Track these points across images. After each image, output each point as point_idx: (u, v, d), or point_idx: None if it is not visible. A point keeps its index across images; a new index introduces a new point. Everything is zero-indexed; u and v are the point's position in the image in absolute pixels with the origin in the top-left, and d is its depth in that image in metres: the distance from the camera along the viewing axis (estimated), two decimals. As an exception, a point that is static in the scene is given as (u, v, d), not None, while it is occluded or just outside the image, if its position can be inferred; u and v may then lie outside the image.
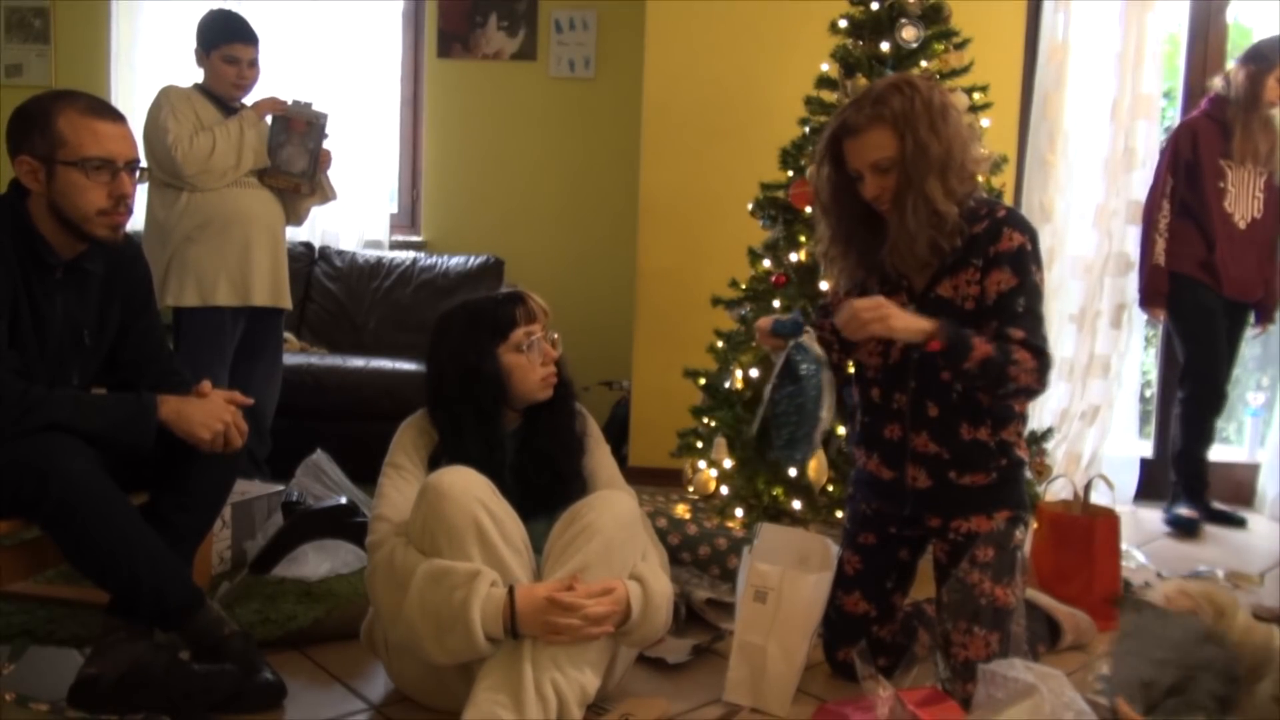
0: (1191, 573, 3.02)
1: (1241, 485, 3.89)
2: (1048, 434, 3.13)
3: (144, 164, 2.05)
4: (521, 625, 1.77)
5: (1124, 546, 2.86)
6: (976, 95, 2.92)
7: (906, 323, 1.89)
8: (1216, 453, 3.68)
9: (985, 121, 2.92)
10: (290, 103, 3.20)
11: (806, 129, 2.98)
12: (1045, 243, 3.55)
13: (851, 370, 2.20)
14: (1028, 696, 1.69)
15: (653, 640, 2.02)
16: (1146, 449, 4.05)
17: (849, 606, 2.16)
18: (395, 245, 4.58)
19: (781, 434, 2.00)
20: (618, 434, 3.90)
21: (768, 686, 2.03)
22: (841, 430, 2.68)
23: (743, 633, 2.07)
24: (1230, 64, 3.60)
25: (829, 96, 2.98)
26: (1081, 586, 2.54)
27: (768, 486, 2.90)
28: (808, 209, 2.84)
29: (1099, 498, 2.83)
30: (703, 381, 3.09)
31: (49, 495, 1.81)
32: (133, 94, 4.35)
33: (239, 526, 2.71)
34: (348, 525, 2.66)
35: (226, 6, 3.29)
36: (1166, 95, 3.85)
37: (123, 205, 1.96)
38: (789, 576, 2.06)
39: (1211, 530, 3.54)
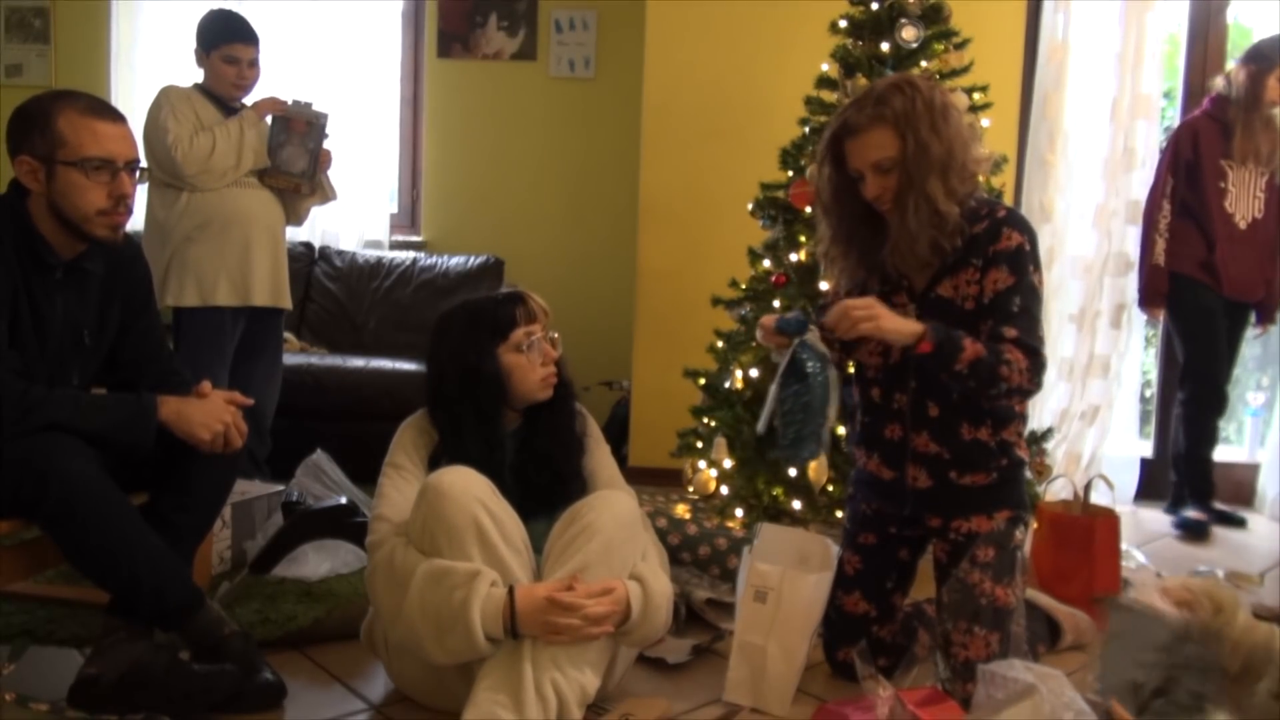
0: (1192, 573, 3.02)
1: (1241, 485, 3.89)
2: (1048, 434, 3.13)
3: (144, 164, 2.05)
4: (521, 625, 1.77)
5: (1124, 546, 2.86)
6: (976, 95, 2.92)
7: (896, 324, 1.89)
8: (1216, 453, 3.67)
9: (985, 121, 2.92)
10: (290, 103, 3.20)
11: (806, 129, 2.98)
12: (1045, 243, 3.55)
13: (851, 370, 2.20)
14: (1027, 697, 1.69)
15: (653, 640, 2.02)
16: (1146, 449, 4.05)
17: (849, 606, 2.16)
18: (395, 245, 4.58)
19: (788, 433, 2.00)
20: (618, 434, 3.90)
21: (768, 686, 2.03)
22: (841, 430, 2.68)
23: (743, 633, 2.07)
24: (1230, 64, 3.60)
25: (829, 96, 2.98)
26: (1081, 586, 2.54)
27: (768, 486, 2.90)
28: (808, 209, 2.84)
29: (1099, 498, 2.84)
30: (703, 381, 3.09)
31: (49, 495, 1.81)
32: (133, 94, 4.35)
33: (239, 526, 2.71)
34: (348, 525, 2.66)
35: (226, 6, 3.29)
36: (1166, 95, 3.85)
37: (122, 205, 1.96)
38: (789, 576, 2.06)
39: (1212, 530, 3.53)
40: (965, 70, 2.93)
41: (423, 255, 4.41)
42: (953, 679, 1.97)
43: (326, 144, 3.23)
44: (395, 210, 4.69)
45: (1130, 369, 3.89)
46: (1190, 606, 1.58)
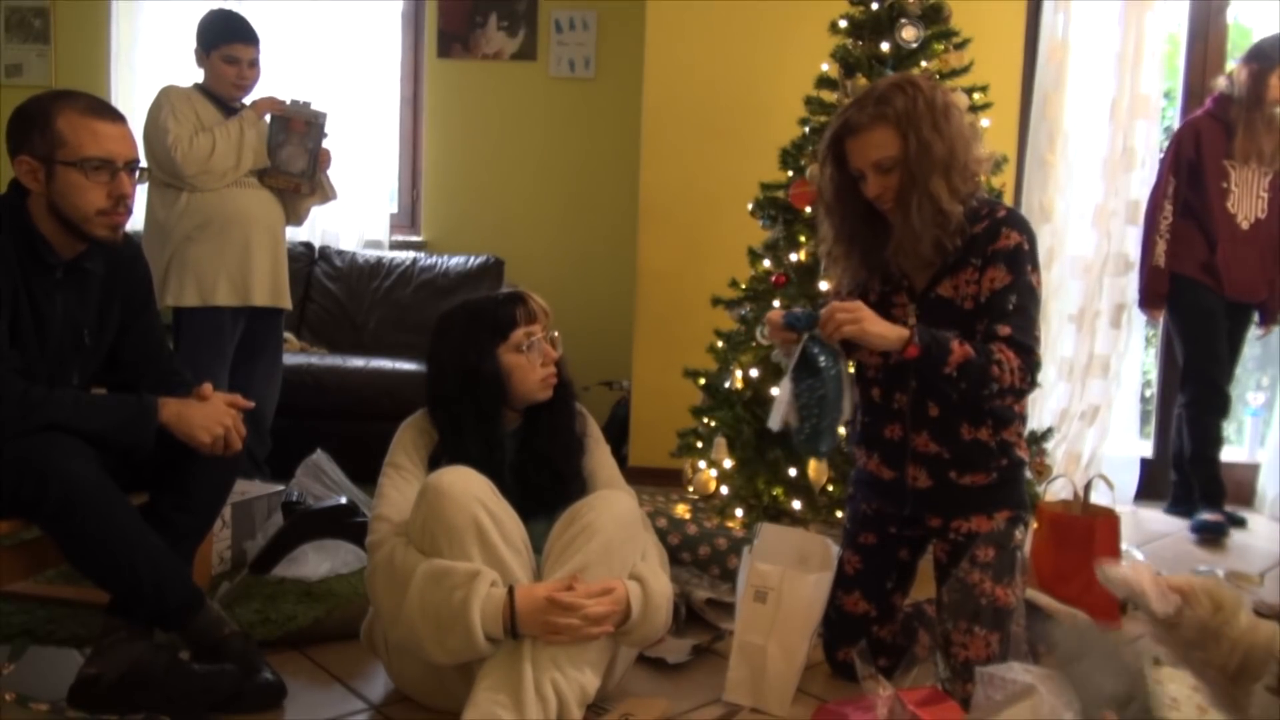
0: (1192, 572, 3.01)
1: (1241, 485, 3.88)
2: (1048, 434, 3.13)
3: (144, 164, 2.05)
4: (521, 625, 1.77)
5: (1124, 546, 2.86)
6: (976, 95, 2.92)
7: (881, 328, 1.89)
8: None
9: (985, 121, 2.92)
10: (289, 102, 3.20)
11: (806, 129, 2.98)
12: (1045, 243, 3.55)
13: (852, 370, 2.20)
14: (1026, 697, 1.69)
15: (653, 640, 2.02)
16: (1146, 449, 4.05)
17: (849, 606, 2.17)
18: (395, 245, 4.58)
19: (804, 428, 1.98)
20: (618, 434, 3.90)
21: (768, 686, 2.03)
22: (842, 430, 2.68)
23: (743, 633, 2.07)
24: (1231, 64, 3.60)
25: (829, 96, 2.98)
26: (1081, 586, 2.53)
27: (768, 486, 2.90)
28: (808, 209, 2.84)
29: (1099, 498, 2.83)
30: (703, 381, 3.09)
31: (49, 495, 1.81)
32: (133, 94, 4.35)
33: (239, 526, 2.71)
34: (348, 525, 2.66)
35: (226, 6, 3.30)
36: (1166, 95, 3.85)
37: (122, 205, 1.96)
38: (789, 576, 2.06)
39: (1230, 531, 3.50)
40: (965, 70, 2.93)
41: (423, 255, 4.41)
42: (953, 679, 1.97)
43: (326, 143, 3.23)
44: (395, 210, 4.69)
45: (1130, 369, 3.88)
46: (1188, 601, 1.58)
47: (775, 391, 2.80)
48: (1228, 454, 3.63)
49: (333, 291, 4.31)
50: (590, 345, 3.86)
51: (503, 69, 4.52)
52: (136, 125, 2.21)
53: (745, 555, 2.20)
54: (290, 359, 3.61)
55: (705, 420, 3.05)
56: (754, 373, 2.91)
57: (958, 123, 1.97)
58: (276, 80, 3.60)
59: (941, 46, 2.90)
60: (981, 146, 2.06)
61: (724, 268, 3.12)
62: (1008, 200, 3.46)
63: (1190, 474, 3.62)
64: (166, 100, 3.06)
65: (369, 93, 4.41)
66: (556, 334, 2.10)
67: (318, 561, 2.59)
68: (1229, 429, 3.64)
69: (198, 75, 3.18)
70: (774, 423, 2.00)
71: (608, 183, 4.44)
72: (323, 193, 3.32)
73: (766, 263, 3.00)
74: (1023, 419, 2.11)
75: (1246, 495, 3.88)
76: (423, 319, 3.92)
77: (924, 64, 2.86)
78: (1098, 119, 3.71)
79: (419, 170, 4.64)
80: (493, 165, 4.56)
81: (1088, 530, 2.65)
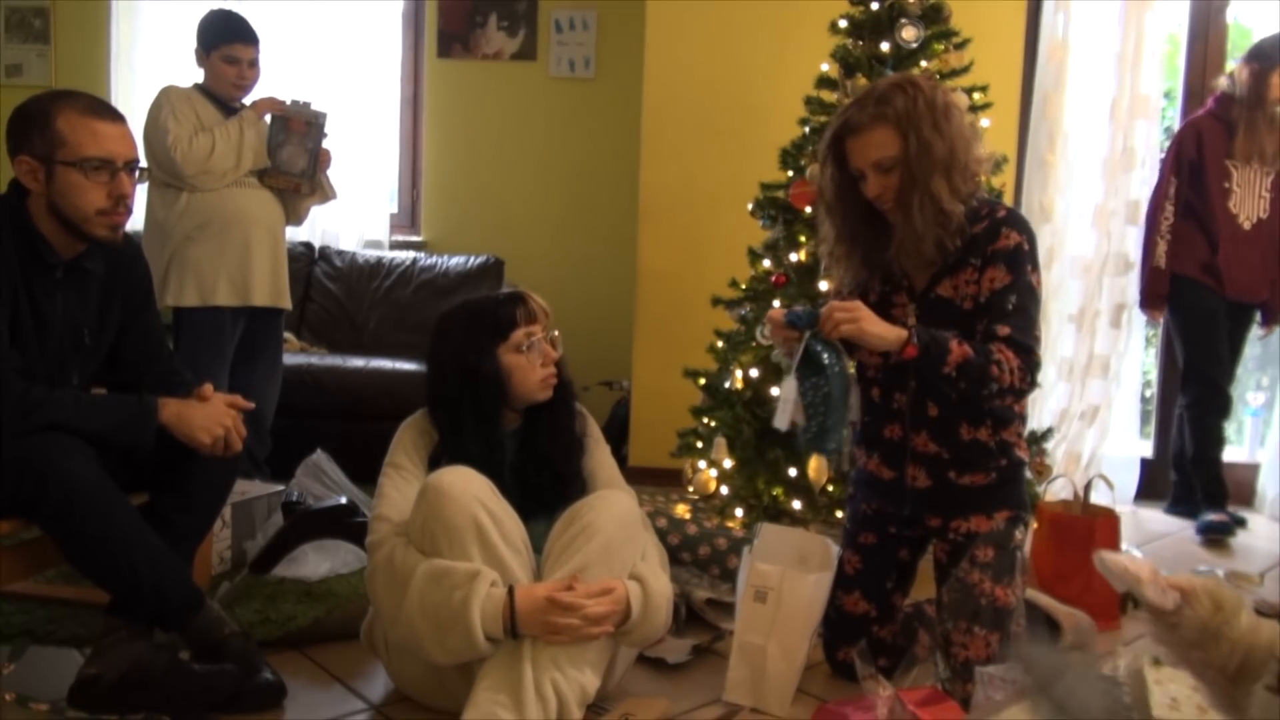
0: (1192, 572, 3.01)
1: (1241, 485, 3.88)
2: (1048, 434, 3.12)
3: (143, 164, 2.05)
4: (521, 625, 1.77)
5: (1124, 546, 2.86)
6: (976, 95, 2.92)
7: (879, 329, 1.89)
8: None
9: (985, 121, 2.92)
10: (290, 102, 3.20)
11: (806, 129, 2.98)
12: (1045, 243, 3.55)
13: (852, 370, 2.20)
14: (1026, 697, 1.69)
15: (653, 640, 2.02)
16: (1146, 449, 4.05)
17: (849, 606, 2.17)
18: (395, 245, 4.58)
19: (811, 426, 1.98)
20: (618, 434, 3.90)
21: (768, 686, 2.03)
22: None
23: (743, 633, 2.07)
24: (1231, 64, 3.59)
25: (829, 96, 2.98)
26: (1081, 586, 2.53)
27: (768, 486, 2.90)
28: (808, 209, 2.84)
29: (1099, 498, 2.83)
30: (703, 381, 3.09)
31: (49, 495, 1.81)
32: (133, 94, 4.35)
33: (239, 526, 2.71)
34: (348, 525, 2.66)
35: (226, 6, 3.29)
36: (1166, 95, 3.85)
37: (122, 205, 1.96)
38: (789, 576, 2.06)
39: (1236, 530, 3.50)
40: (965, 70, 2.92)
41: (423, 255, 4.41)
42: (953, 679, 1.97)
43: (326, 143, 3.23)
44: (395, 210, 4.69)
45: (1130, 369, 3.88)
46: (1188, 600, 1.57)
47: (775, 391, 2.82)
48: (1228, 454, 3.63)
49: (333, 291, 4.31)
50: (590, 345, 3.86)
51: (503, 69, 4.52)
52: (136, 125, 2.21)
53: (745, 555, 2.20)
54: (290, 359, 3.61)
55: (705, 420, 3.05)
56: (754, 373, 2.91)
57: (958, 123, 1.97)
58: (276, 80, 3.60)
59: (941, 46, 2.89)
60: (981, 146, 2.06)
61: (724, 268, 3.12)
62: (1008, 200, 3.46)
63: (1192, 475, 3.61)
64: (166, 100, 3.06)
65: (369, 93, 4.41)
66: (557, 334, 2.10)
67: (318, 561, 2.59)
68: (1229, 429, 3.64)
69: (198, 75, 3.18)
70: (780, 422, 1.99)
71: (608, 183, 4.44)
72: (323, 193, 3.32)
73: (766, 263, 3.00)
74: (1022, 419, 2.11)
75: (1246, 495, 3.88)
76: (423, 319, 3.92)
77: (924, 64, 2.86)
78: (1098, 119, 3.71)
79: (419, 170, 4.64)
80: (493, 165, 4.56)
81: (1088, 530, 2.65)
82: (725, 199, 3.51)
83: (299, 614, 2.33)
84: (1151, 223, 3.58)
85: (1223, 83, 3.51)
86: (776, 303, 2.89)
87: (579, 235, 4.53)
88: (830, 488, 2.79)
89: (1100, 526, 2.66)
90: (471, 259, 4.32)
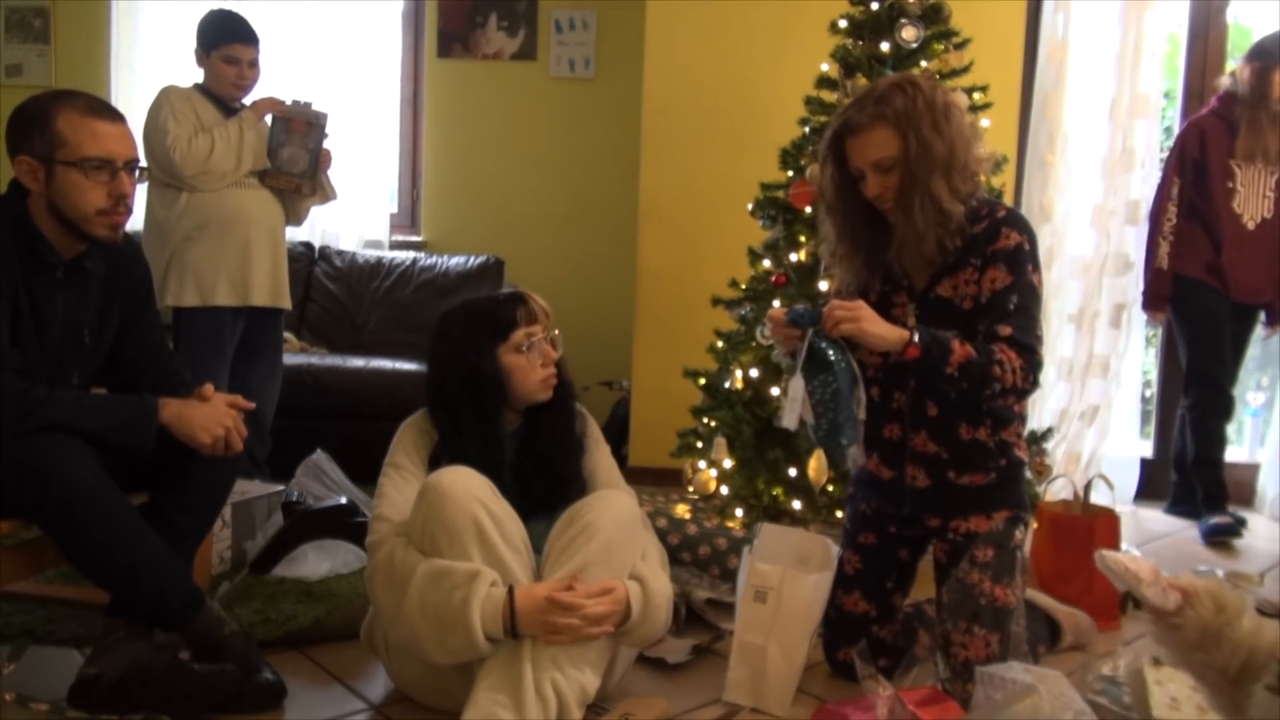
0: (1192, 573, 3.01)
1: (1241, 485, 3.88)
2: (1048, 434, 3.12)
3: (143, 164, 2.05)
4: (521, 625, 1.77)
5: (1124, 546, 2.85)
6: (976, 95, 2.92)
7: (880, 329, 1.88)
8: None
9: (985, 121, 2.92)
10: (290, 103, 3.20)
11: (806, 129, 2.98)
12: (1045, 243, 3.55)
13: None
14: (1026, 697, 1.69)
15: (653, 640, 2.02)
16: (1146, 449, 4.04)
17: (849, 606, 2.17)
18: (395, 245, 4.58)
19: (822, 423, 1.97)
20: (618, 434, 3.90)
21: (768, 686, 2.03)
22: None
23: (743, 633, 2.07)
24: (1231, 63, 3.59)
25: (829, 96, 2.98)
26: (1081, 586, 2.54)
27: (768, 486, 2.90)
28: (808, 209, 2.84)
29: (1099, 498, 2.83)
30: (703, 381, 3.09)
31: (49, 496, 1.81)
32: (133, 94, 4.35)
33: (239, 526, 2.71)
34: (348, 525, 2.66)
35: (226, 6, 3.29)
36: (1166, 95, 3.85)
37: (122, 205, 1.96)
38: (789, 576, 2.06)
39: (1241, 530, 3.49)
40: (965, 70, 2.92)
41: (423, 255, 4.41)
42: (953, 679, 1.97)
43: (326, 144, 3.23)
44: (395, 210, 4.69)
45: (1130, 369, 3.88)
46: (1190, 602, 1.57)
47: (775, 391, 2.82)
48: (1228, 454, 3.63)
49: (333, 291, 4.31)
50: (590, 345, 3.85)
51: (503, 69, 4.52)
52: (136, 125, 2.21)
53: (745, 555, 2.20)
54: (290, 359, 3.61)
55: (705, 420, 3.05)
56: (754, 373, 2.91)
57: (958, 123, 1.97)
58: (276, 80, 3.60)
59: (941, 46, 2.89)
60: (981, 146, 2.06)
61: (724, 268, 3.12)
62: (1008, 200, 3.46)
63: (1193, 476, 3.61)
64: (166, 100, 3.06)
65: (369, 93, 4.41)
66: (557, 334, 2.10)
67: (318, 561, 2.59)
68: (1230, 430, 3.63)
69: (198, 75, 3.17)
70: (790, 422, 1.97)
71: (608, 183, 4.44)
72: (323, 193, 3.32)
73: (766, 263, 3.00)
74: (1022, 419, 2.11)
75: (1246, 495, 3.88)
76: (423, 319, 3.92)
77: (924, 64, 2.86)
78: (1097, 119, 3.71)
79: (419, 170, 4.64)
80: (493, 165, 4.56)
81: (1088, 530, 2.65)
82: (725, 199, 3.51)
83: (299, 614, 2.33)
84: (1154, 223, 3.56)
85: (1225, 82, 3.50)
86: (777, 303, 2.89)
87: (579, 235, 4.53)
88: (830, 488, 2.79)
89: (1100, 526, 2.66)
90: (471, 259, 4.32)
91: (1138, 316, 3.78)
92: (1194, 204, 3.51)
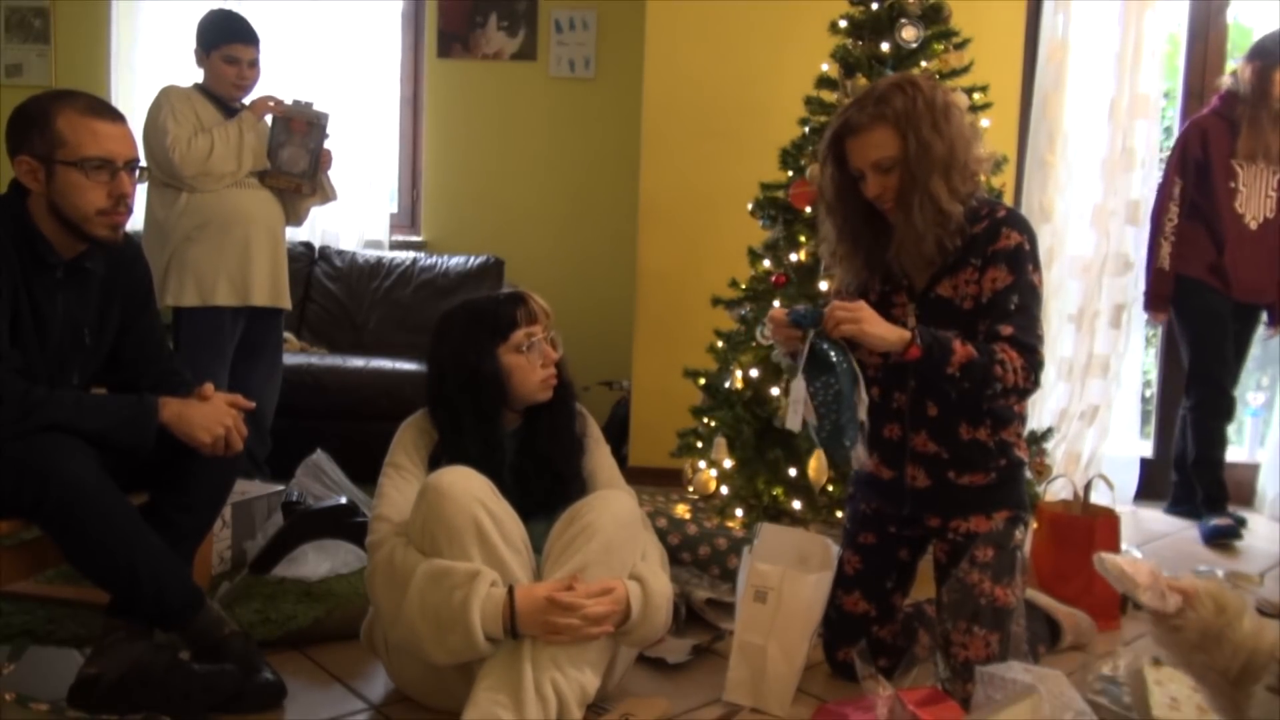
0: (1192, 573, 3.02)
1: (1241, 485, 3.87)
2: (1048, 434, 3.12)
3: (143, 164, 2.05)
4: (521, 625, 1.77)
5: (1124, 546, 2.86)
6: (976, 95, 2.92)
7: (881, 330, 1.88)
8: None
9: (985, 121, 2.92)
10: (292, 103, 3.20)
11: (806, 129, 2.98)
12: (1045, 243, 3.54)
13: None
14: (1026, 697, 1.69)
15: (653, 640, 2.02)
16: (1146, 449, 4.04)
17: (849, 606, 2.17)
18: (395, 245, 4.58)
19: (824, 425, 1.97)
20: (618, 434, 3.90)
21: (768, 686, 2.03)
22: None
23: (743, 633, 2.07)
24: (1231, 63, 3.58)
25: (829, 96, 2.98)
26: (1081, 586, 2.54)
27: (768, 486, 2.90)
28: (808, 209, 2.84)
29: (1099, 498, 2.83)
30: (703, 381, 3.09)
31: (49, 496, 1.81)
32: (133, 94, 4.35)
33: (239, 526, 2.71)
34: (348, 525, 2.66)
35: (226, 6, 3.29)
36: (1166, 95, 3.85)
37: (122, 205, 1.96)
38: (789, 576, 2.06)
39: (1242, 531, 3.48)
40: (965, 70, 2.92)
41: (423, 255, 4.41)
42: (953, 679, 1.97)
43: (327, 144, 3.23)
44: (395, 210, 4.69)
45: (1130, 369, 3.88)
46: (1190, 603, 1.57)
47: (775, 391, 2.82)
48: (1228, 454, 3.63)
49: (333, 291, 4.31)
50: (590, 345, 3.86)
51: (503, 69, 4.52)
52: (136, 125, 2.21)
53: (745, 555, 2.20)
54: (290, 359, 3.60)
55: (705, 420, 3.05)
56: (754, 373, 2.91)
57: (958, 123, 1.97)
58: (276, 80, 3.59)
59: (941, 46, 2.89)
60: (981, 146, 2.06)
61: (724, 268, 3.12)
62: (1008, 200, 3.46)
63: (1193, 478, 3.60)
64: (166, 100, 3.06)
65: (369, 93, 4.41)
66: (556, 334, 2.10)
67: (318, 561, 2.59)
68: (1230, 430, 3.63)
69: (198, 75, 3.17)
70: (793, 423, 1.97)
71: (608, 183, 4.44)
72: (323, 193, 3.32)
73: (766, 263, 3.00)
74: (1022, 419, 2.11)
75: (1246, 495, 3.88)
76: (423, 319, 3.92)
77: (924, 64, 2.86)
78: (1097, 119, 3.71)
79: (419, 170, 4.64)
80: (493, 165, 4.56)
81: (1088, 530, 2.65)
82: (725, 199, 3.51)
83: (299, 614, 2.33)
84: (1156, 224, 3.55)
85: (1227, 81, 3.49)
86: (776, 303, 2.89)
87: (579, 235, 4.53)
88: (830, 488, 2.79)
89: (1100, 526, 2.66)
90: (471, 259, 4.32)
91: (1138, 316, 3.78)
92: (1196, 204, 3.50)
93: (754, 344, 2.89)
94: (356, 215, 4.51)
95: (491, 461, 1.97)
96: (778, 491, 2.89)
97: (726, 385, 2.98)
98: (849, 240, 2.08)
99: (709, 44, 3.73)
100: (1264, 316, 3.59)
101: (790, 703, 2.03)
